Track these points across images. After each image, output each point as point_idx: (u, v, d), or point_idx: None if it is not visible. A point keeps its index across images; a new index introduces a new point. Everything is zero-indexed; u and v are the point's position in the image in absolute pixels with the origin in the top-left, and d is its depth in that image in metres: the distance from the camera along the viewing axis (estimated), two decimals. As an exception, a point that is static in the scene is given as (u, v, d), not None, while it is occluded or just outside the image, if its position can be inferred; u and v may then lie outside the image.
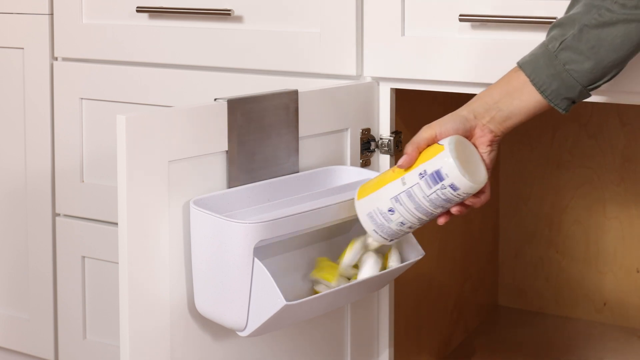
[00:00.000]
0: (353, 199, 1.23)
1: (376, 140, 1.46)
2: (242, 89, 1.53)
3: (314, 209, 1.21)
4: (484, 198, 1.20)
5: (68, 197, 1.76)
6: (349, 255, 1.26)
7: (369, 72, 1.47)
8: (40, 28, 1.77)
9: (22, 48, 1.80)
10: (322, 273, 1.27)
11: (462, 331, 1.84)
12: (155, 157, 1.15)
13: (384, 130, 1.46)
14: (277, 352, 1.34)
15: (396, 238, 1.22)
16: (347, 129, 1.42)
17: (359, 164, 1.44)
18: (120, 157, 1.12)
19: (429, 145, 1.18)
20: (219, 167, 1.23)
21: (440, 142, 1.17)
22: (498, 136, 1.20)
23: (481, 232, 1.92)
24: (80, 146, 1.75)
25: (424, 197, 1.16)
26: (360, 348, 1.48)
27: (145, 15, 1.68)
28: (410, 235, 1.31)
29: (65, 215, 1.78)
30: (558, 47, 1.13)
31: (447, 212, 1.20)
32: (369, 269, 1.27)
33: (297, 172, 1.33)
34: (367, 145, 1.45)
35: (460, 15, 1.38)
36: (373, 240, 1.26)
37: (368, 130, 1.45)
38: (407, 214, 1.18)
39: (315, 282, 1.28)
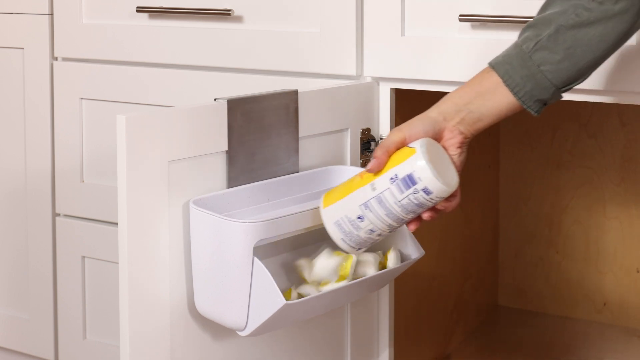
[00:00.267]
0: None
1: (376, 140, 1.46)
2: (242, 89, 1.53)
3: (314, 209, 1.21)
4: (455, 202, 1.18)
5: (68, 197, 1.76)
6: (318, 265, 1.23)
7: (369, 72, 1.47)
8: (40, 28, 1.78)
9: (22, 48, 1.80)
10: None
11: (462, 331, 1.84)
12: (155, 157, 1.15)
13: (384, 130, 1.46)
14: (277, 352, 1.34)
15: (364, 247, 1.18)
16: (347, 129, 1.42)
17: (359, 164, 1.44)
18: (120, 157, 1.12)
19: (398, 149, 1.15)
20: (219, 167, 1.23)
21: (410, 144, 1.14)
22: (468, 138, 1.17)
23: (481, 232, 1.92)
24: (80, 146, 1.75)
25: (395, 202, 1.13)
26: (360, 348, 1.48)
27: (145, 15, 1.68)
28: (410, 235, 1.31)
29: (65, 215, 1.78)
30: (533, 48, 1.11)
31: (418, 218, 1.17)
32: (369, 268, 1.27)
33: (297, 172, 1.33)
34: (367, 145, 1.45)
35: (460, 15, 1.38)
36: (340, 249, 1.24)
37: (368, 130, 1.45)
38: (377, 220, 1.14)
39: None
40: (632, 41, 1.27)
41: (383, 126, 1.46)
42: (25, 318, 1.84)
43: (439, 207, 1.17)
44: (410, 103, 1.54)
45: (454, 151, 1.17)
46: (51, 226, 1.79)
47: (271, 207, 1.23)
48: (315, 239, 1.34)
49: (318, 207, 1.20)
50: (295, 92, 1.32)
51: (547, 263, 1.98)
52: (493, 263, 2.00)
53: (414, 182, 1.11)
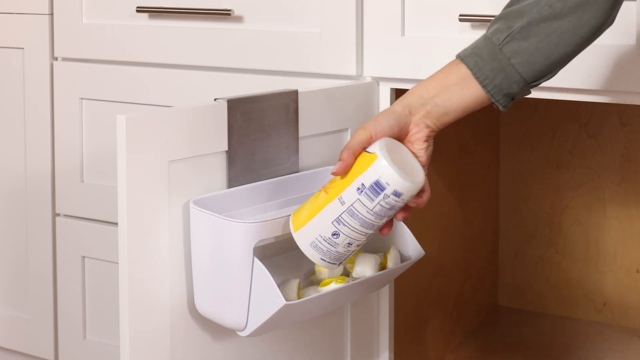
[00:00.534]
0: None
1: (376, 140, 1.46)
2: (242, 89, 1.53)
3: (314, 209, 1.20)
4: (425, 197, 1.15)
5: (68, 197, 1.76)
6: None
7: (369, 72, 1.47)
8: (40, 28, 1.78)
9: (22, 48, 1.80)
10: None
11: (462, 331, 1.84)
12: (155, 157, 1.15)
13: (384, 130, 1.46)
14: (277, 352, 1.34)
15: (344, 260, 1.15)
16: (347, 129, 1.42)
17: (359, 164, 1.43)
18: (120, 157, 1.12)
19: (364, 148, 1.12)
20: (219, 167, 1.23)
21: (369, 150, 1.10)
22: (434, 131, 1.14)
23: (481, 232, 1.92)
24: (80, 146, 1.75)
25: (367, 211, 1.10)
26: (360, 348, 1.48)
27: (145, 15, 1.68)
28: (410, 235, 1.31)
29: (65, 215, 1.78)
30: (503, 40, 1.08)
31: (390, 221, 1.14)
32: (369, 269, 1.27)
33: (297, 172, 1.33)
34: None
35: (460, 15, 1.38)
36: (320, 270, 1.24)
37: (368, 130, 1.45)
38: (353, 232, 1.11)
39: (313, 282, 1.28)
40: (632, 41, 1.27)
41: (383, 126, 1.46)
42: (25, 318, 1.84)
43: (411, 204, 1.14)
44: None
45: (421, 145, 1.14)
46: (51, 226, 1.79)
47: (271, 207, 1.23)
48: (315, 239, 1.34)
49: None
50: (295, 92, 1.32)
51: (547, 263, 1.98)
52: (493, 263, 2.00)
53: (382, 188, 1.08)
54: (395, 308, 1.53)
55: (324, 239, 1.12)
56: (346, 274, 1.30)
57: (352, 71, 1.48)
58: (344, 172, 1.11)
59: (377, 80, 1.47)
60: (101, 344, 1.75)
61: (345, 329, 1.45)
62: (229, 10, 1.57)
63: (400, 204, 1.11)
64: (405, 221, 1.17)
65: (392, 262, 1.28)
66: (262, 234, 1.14)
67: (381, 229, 1.14)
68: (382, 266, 1.29)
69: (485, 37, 1.10)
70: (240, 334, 1.18)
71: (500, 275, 2.02)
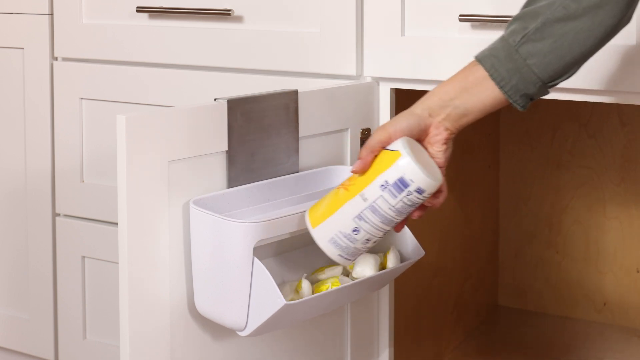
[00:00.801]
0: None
1: (376, 140, 1.46)
2: (242, 89, 1.53)
3: (314, 209, 1.20)
4: (442, 197, 1.17)
5: (68, 197, 1.76)
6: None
7: (369, 72, 1.47)
8: (40, 28, 1.78)
9: (22, 48, 1.80)
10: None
11: (462, 331, 1.84)
12: (155, 157, 1.15)
13: (384, 130, 1.46)
14: (277, 352, 1.34)
15: (358, 256, 1.17)
16: (347, 129, 1.42)
17: (359, 164, 1.43)
18: (120, 157, 1.12)
19: (383, 147, 1.13)
20: (219, 167, 1.23)
21: (390, 147, 1.12)
22: (453, 133, 1.16)
23: (481, 232, 1.92)
24: (80, 146, 1.75)
25: (389, 208, 1.12)
26: (360, 348, 1.48)
27: (145, 15, 1.68)
28: (410, 235, 1.31)
29: (65, 215, 1.78)
30: (519, 41, 1.08)
31: (405, 219, 1.16)
32: (369, 268, 1.27)
33: (297, 172, 1.33)
34: (367, 145, 1.45)
35: (460, 15, 1.38)
36: (334, 266, 1.25)
37: (368, 130, 1.45)
38: (373, 229, 1.13)
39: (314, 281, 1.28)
40: (632, 41, 1.27)
41: (383, 126, 1.46)
42: (25, 318, 1.84)
43: (427, 204, 1.16)
44: (410, 103, 1.53)
45: (440, 147, 1.16)
46: (51, 226, 1.79)
47: (271, 207, 1.23)
48: (315, 239, 1.34)
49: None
50: (295, 92, 1.32)
51: (547, 263, 1.98)
52: (493, 263, 2.00)
53: (406, 185, 1.10)
54: (395, 308, 1.53)
55: (343, 235, 1.14)
56: (346, 274, 1.30)
57: (352, 71, 1.48)
58: (363, 170, 1.13)
59: (377, 80, 1.47)
60: (101, 344, 1.75)
61: (345, 329, 1.45)
62: (229, 10, 1.57)
63: (421, 201, 1.13)
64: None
65: (392, 262, 1.28)
66: (262, 234, 1.14)
67: (396, 226, 1.16)
68: (382, 266, 1.29)
69: (502, 38, 1.11)
70: (240, 334, 1.18)
71: (500, 275, 2.03)
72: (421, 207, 1.16)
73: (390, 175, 1.11)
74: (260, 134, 1.27)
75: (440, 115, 1.14)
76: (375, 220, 1.13)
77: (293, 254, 1.31)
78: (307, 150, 1.35)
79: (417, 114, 1.15)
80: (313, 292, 1.22)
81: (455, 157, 1.73)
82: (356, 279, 1.26)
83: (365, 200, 1.12)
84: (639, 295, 1.89)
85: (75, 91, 1.75)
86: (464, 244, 1.83)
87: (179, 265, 1.19)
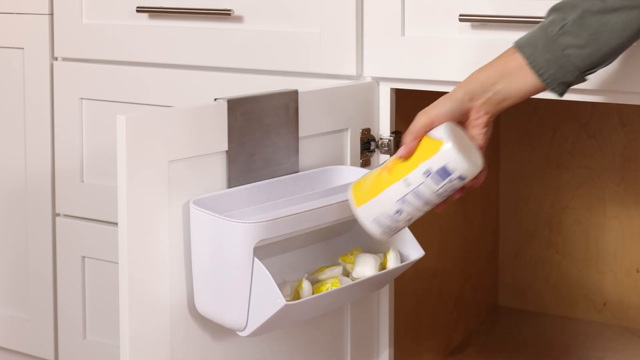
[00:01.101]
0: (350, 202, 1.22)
1: (376, 140, 1.46)
2: (242, 89, 1.53)
3: (314, 209, 1.21)
4: (482, 176, 1.20)
5: (68, 197, 1.76)
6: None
7: (369, 72, 1.47)
8: (40, 28, 1.77)
9: (22, 48, 1.80)
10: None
11: (462, 331, 1.84)
12: (155, 157, 1.15)
13: (384, 130, 1.46)
14: (277, 352, 1.34)
15: (398, 232, 1.23)
16: (347, 129, 1.42)
17: (359, 164, 1.44)
18: (120, 157, 1.12)
19: (427, 132, 1.17)
20: (219, 167, 1.23)
21: (433, 134, 1.16)
22: (493, 116, 1.19)
23: (481, 232, 1.92)
24: (80, 146, 1.75)
25: (432, 193, 1.16)
26: (360, 348, 1.47)
27: (145, 15, 1.68)
28: (410, 235, 1.31)
29: (65, 215, 1.78)
30: (558, 32, 1.12)
31: (446, 200, 1.21)
32: (369, 269, 1.27)
33: (297, 172, 1.33)
34: (367, 145, 1.45)
35: (460, 15, 1.38)
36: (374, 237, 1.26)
37: (368, 130, 1.45)
38: (415, 211, 1.18)
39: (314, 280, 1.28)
40: (632, 41, 1.27)
41: (383, 126, 1.46)
42: (25, 318, 1.84)
43: (468, 185, 1.20)
44: (410, 103, 1.54)
45: (480, 130, 1.19)
46: (51, 226, 1.79)
47: (271, 207, 1.23)
48: (316, 239, 1.34)
49: (317, 207, 1.21)
50: (295, 92, 1.32)
51: (547, 263, 1.98)
52: (493, 263, 2.00)
53: (449, 173, 1.14)
54: (395, 308, 1.53)
55: (387, 216, 1.18)
56: (346, 274, 1.30)
57: (352, 71, 1.48)
58: (407, 156, 1.17)
59: (377, 80, 1.47)
60: (101, 344, 1.75)
61: (345, 329, 1.45)
62: (229, 10, 1.57)
63: (461, 185, 1.17)
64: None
65: (392, 262, 1.28)
66: (262, 234, 1.14)
67: (437, 206, 1.20)
68: (382, 266, 1.29)
69: (541, 28, 1.14)
70: (240, 334, 1.18)
71: (500, 275, 2.03)
72: (462, 188, 1.20)
73: (434, 163, 1.14)
74: (260, 134, 1.27)
75: (480, 99, 1.18)
76: (418, 203, 1.17)
77: (293, 254, 1.31)
78: (307, 150, 1.35)
79: (458, 98, 1.18)
80: (313, 293, 1.22)
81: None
82: (356, 279, 1.26)
83: (408, 186, 1.16)
84: (639, 295, 1.89)
85: (75, 91, 1.75)
86: (464, 244, 1.83)
87: (179, 265, 1.19)
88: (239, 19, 1.59)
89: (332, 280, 1.24)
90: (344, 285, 1.21)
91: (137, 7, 1.66)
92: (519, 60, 1.15)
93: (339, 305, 1.38)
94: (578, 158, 1.93)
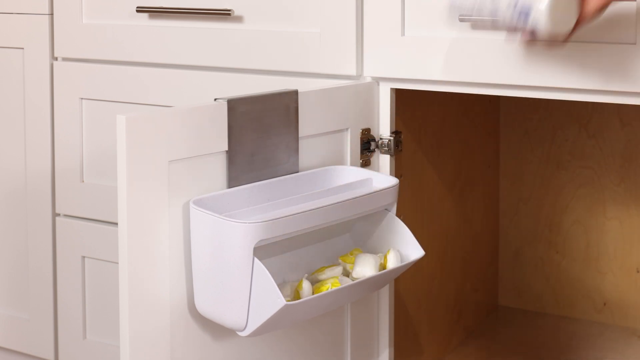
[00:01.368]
0: (353, 198, 1.22)
1: (376, 140, 1.46)
2: (242, 89, 1.53)
3: (314, 209, 1.21)
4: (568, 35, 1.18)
5: (68, 197, 1.76)
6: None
7: (369, 72, 1.47)
8: (40, 28, 1.78)
9: (22, 48, 1.80)
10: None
11: (462, 331, 1.84)
12: (155, 157, 1.15)
13: (384, 130, 1.46)
14: (277, 352, 1.34)
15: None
16: (347, 129, 1.42)
17: (359, 164, 1.44)
18: (120, 157, 1.12)
19: None
20: (219, 167, 1.23)
21: None
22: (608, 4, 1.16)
23: (481, 232, 1.92)
24: (80, 146, 1.75)
25: (503, 20, 1.18)
26: (360, 348, 1.48)
27: (145, 15, 1.68)
28: (411, 235, 1.31)
29: (65, 215, 1.78)
30: None
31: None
32: (369, 269, 1.27)
33: (297, 172, 1.33)
34: (367, 145, 1.45)
35: (460, 15, 1.37)
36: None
37: (368, 130, 1.45)
38: (479, 12, 1.21)
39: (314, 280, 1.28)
40: (632, 41, 1.27)
41: (383, 126, 1.46)
42: (25, 318, 1.84)
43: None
44: (410, 103, 1.54)
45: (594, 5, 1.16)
46: (51, 226, 1.79)
47: (271, 207, 1.23)
48: (316, 239, 1.34)
49: (317, 207, 1.20)
50: (295, 92, 1.32)
51: (547, 263, 1.98)
52: (493, 263, 2.00)
53: (528, 17, 1.15)
54: (395, 308, 1.53)
55: None
56: (346, 274, 1.30)
57: (352, 71, 1.48)
58: None
59: (377, 80, 1.47)
60: (101, 344, 1.75)
61: (345, 329, 1.45)
62: (229, 10, 1.57)
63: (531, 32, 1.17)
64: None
65: (392, 262, 1.28)
66: (262, 234, 1.14)
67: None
68: (382, 266, 1.29)
69: None
70: (240, 334, 1.18)
71: (500, 275, 2.02)
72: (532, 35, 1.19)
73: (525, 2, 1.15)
74: (260, 134, 1.27)
75: None
76: (486, 10, 1.20)
77: (293, 254, 1.31)
78: (307, 150, 1.35)
79: None
80: (313, 293, 1.22)
81: (455, 157, 1.73)
82: (356, 279, 1.26)
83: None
84: (639, 295, 1.89)
85: (75, 91, 1.75)
86: (464, 244, 1.83)
87: (179, 265, 1.19)
88: (239, 19, 1.59)
89: (332, 280, 1.24)
90: (344, 285, 1.21)
91: (137, 7, 1.66)
92: None
93: (339, 305, 1.38)
94: (578, 158, 1.93)
